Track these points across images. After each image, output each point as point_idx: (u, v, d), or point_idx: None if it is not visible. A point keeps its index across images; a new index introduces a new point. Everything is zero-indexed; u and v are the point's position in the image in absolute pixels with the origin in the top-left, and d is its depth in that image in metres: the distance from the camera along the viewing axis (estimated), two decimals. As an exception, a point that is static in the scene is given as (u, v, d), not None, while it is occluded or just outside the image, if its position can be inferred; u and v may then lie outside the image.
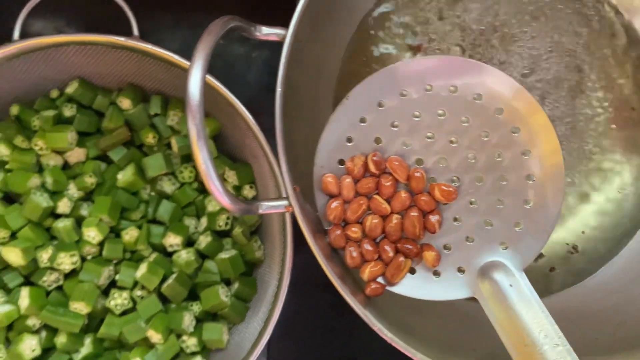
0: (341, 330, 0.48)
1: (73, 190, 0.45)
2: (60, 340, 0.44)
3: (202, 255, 0.46)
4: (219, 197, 0.28)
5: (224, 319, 0.45)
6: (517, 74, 0.43)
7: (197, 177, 0.47)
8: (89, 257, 0.44)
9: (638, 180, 0.43)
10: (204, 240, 0.45)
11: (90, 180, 0.45)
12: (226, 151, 0.48)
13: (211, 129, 0.46)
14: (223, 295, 0.44)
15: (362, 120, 0.34)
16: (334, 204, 0.33)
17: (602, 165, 0.44)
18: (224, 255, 0.45)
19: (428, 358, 0.31)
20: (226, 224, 0.46)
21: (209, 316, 0.45)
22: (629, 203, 0.43)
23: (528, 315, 0.31)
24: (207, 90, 0.42)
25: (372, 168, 0.33)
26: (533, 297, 0.32)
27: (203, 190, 0.48)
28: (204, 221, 0.46)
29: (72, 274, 0.44)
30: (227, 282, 0.46)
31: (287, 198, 0.31)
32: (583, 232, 0.43)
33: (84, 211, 0.45)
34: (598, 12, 0.43)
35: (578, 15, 0.43)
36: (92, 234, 0.44)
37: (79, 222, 0.44)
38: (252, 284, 0.46)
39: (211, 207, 0.47)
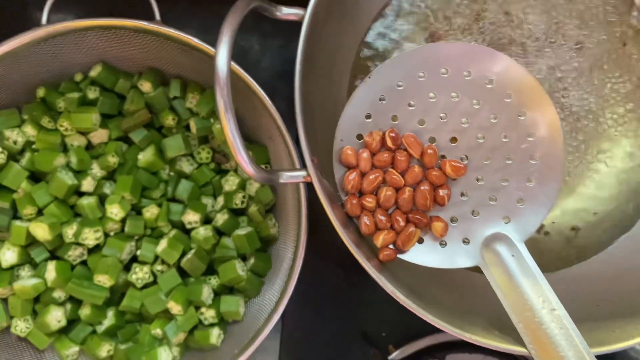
0: (353, 303, 0.50)
1: (96, 170, 0.47)
2: (85, 312, 0.46)
3: (219, 232, 0.48)
4: (244, 165, 0.30)
5: (241, 292, 0.47)
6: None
7: (214, 158, 0.49)
8: (112, 233, 0.46)
9: None
10: (221, 218, 0.47)
11: (112, 160, 0.47)
12: (242, 132, 0.48)
13: (228, 111, 0.48)
14: (240, 269, 0.46)
15: (382, 99, 0.36)
16: (352, 175, 0.35)
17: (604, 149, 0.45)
18: (240, 232, 0.47)
19: (437, 319, 0.33)
20: (242, 202, 0.48)
21: (226, 290, 0.47)
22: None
23: (528, 283, 0.33)
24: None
25: (389, 143, 0.35)
26: (533, 267, 0.34)
27: (220, 171, 0.50)
28: (220, 200, 0.48)
29: (95, 249, 0.46)
30: (244, 258, 0.48)
31: (305, 169, 0.33)
32: (595, 214, 0.45)
33: (106, 189, 0.47)
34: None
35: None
36: (114, 211, 0.46)
37: (102, 199, 0.46)
38: (267, 259, 0.48)
39: (227, 186, 0.48)
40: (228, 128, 0.29)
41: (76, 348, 0.46)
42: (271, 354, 0.51)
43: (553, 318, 0.32)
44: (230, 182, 0.49)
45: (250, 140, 0.50)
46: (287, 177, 0.33)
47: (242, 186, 0.48)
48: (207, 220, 0.48)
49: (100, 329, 0.46)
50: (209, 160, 0.49)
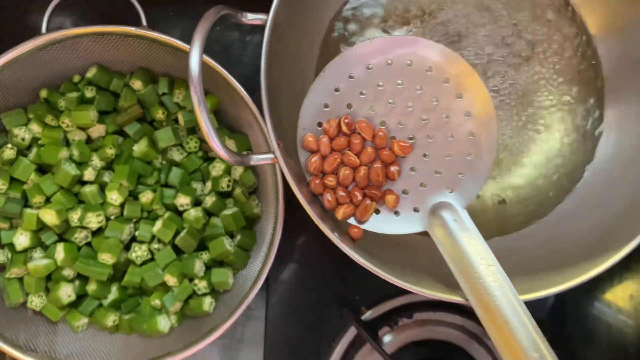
0: (330, 271, 0.55)
1: (96, 161, 0.53)
2: (91, 287, 0.52)
3: (209, 213, 0.53)
4: (218, 149, 0.35)
5: (229, 265, 0.53)
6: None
7: (202, 147, 0.55)
8: (112, 217, 0.52)
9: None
10: (209, 200, 0.53)
11: (110, 152, 0.52)
12: (226, 123, 0.55)
13: (212, 104, 0.53)
14: (227, 245, 0.52)
15: (337, 90, 0.41)
16: (314, 158, 0.40)
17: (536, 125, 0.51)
18: (227, 212, 0.53)
19: (392, 276, 0.38)
20: (228, 186, 0.53)
21: (217, 263, 0.53)
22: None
23: (468, 243, 0.38)
24: (207, 70, 0.49)
25: (344, 129, 0.40)
26: (472, 229, 0.39)
27: (207, 158, 0.55)
28: (208, 184, 0.54)
29: (98, 232, 0.52)
30: (231, 235, 0.54)
31: (273, 152, 0.38)
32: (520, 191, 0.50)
33: (106, 178, 0.52)
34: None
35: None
36: (114, 197, 0.51)
37: (103, 187, 0.52)
38: (252, 236, 0.54)
39: (214, 172, 0.54)
40: (202, 119, 0.34)
41: (85, 319, 0.52)
42: (260, 321, 0.57)
43: (489, 273, 0.37)
44: (217, 168, 0.54)
45: (233, 129, 0.55)
46: (257, 159, 0.38)
47: (228, 171, 0.54)
48: (197, 203, 0.54)
49: (106, 302, 0.52)
50: (197, 149, 0.55)
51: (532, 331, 0.34)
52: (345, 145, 0.41)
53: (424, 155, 0.41)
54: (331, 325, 0.54)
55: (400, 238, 0.42)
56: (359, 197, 0.40)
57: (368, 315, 0.55)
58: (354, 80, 0.40)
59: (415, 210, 0.41)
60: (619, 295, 0.56)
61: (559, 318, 0.56)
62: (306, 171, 0.41)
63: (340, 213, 0.40)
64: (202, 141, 0.55)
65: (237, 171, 0.54)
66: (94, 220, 0.51)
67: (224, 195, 0.54)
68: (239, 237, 0.53)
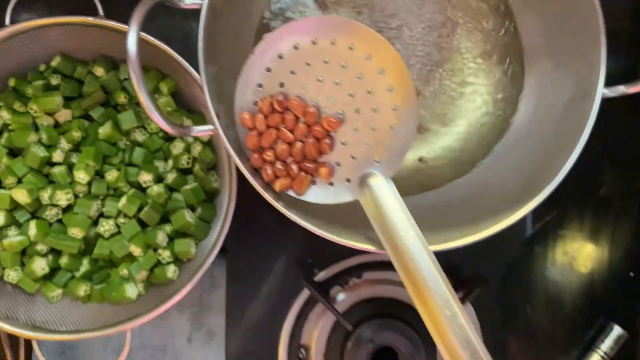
0: (284, 237, 0.60)
1: (64, 144, 0.56)
2: (64, 260, 0.56)
3: (171, 189, 0.57)
4: (159, 121, 0.39)
5: (191, 236, 0.57)
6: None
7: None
8: (81, 195, 0.56)
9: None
10: (170, 177, 0.57)
11: (76, 135, 0.56)
12: (184, 105, 0.59)
13: (168, 87, 0.57)
14: (188, 217, 0.56)
15: (268, 70, 0.44)
16: (251, 134, 0.44)
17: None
18: (187, 187, 0.57)
19: (328, 233, 0.42)
20: (187, 163, 0.57)
21: (180, 235, 0.57)
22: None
23: (392, 210, 0.41)
24: (165, 56, 0.53)
25: (277, 107, 0.43)
26: (396, 197, 0.42)
27: (168, 138, 0.59)
28: (170, 162, 0.58)
29: (68, 209, 0.56)
30: (193, 208, 0.58)
31: (213, 124, 0.42)
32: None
33: (74, 159, 0.56)
34: None
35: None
36: (81, 176, 0.55)
37: (71, 167, 0.56)
38: (212, 208, 0.58)
39: (175, 150, 0.58)
40: (141, 95, 0.38)
41: (59, 290, 0.56)
42: (222, 287, 0.61)
43: (408, 237, 0.40)
44: (177, 147, 0.58)
45: (190, 110, 0.59)
46: (197, 130, 0.42)
47: (188, 150, 0.58)
48: (160, 180, 0.58)
49: (78, 274, 0.56)
50: (159, 130, 0.58)
51: (435, 271, 0.38)
52: (279, 122, 0.44)
53: (354, 129, 0.44)
54: (287, 288, 0.59)
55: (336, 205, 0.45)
56: (296, 171, 0.44)
57: (321, 276, 0.59)
58: (283, 61, 0.44)
59: (348, 180, 0.45)
60: (556, 251, 0.60)
61: (503, 275, 0.61)
62: (245, 147, 0.45)
63: (277, 185, 0.44)
64: (163, 122, 0.59)
65: (196, 149, 0.58)
66: (63, 198, 0.55)
67: (184, 172, 0.58)
68: (199, 210, 0.58)
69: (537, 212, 0.59)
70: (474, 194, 0.50)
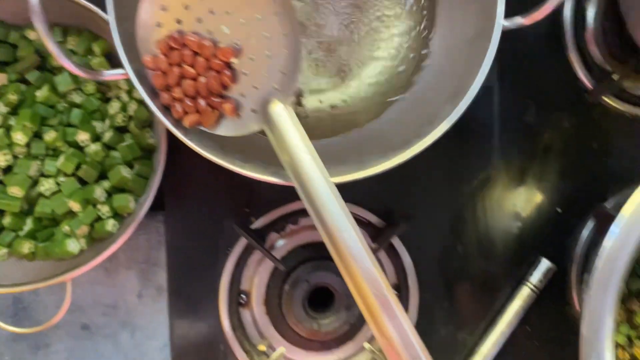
0: (220, 188, 0.62)
1: (1, 107, 0.58)
2: (7, 220, 0.58)
3: (108, 147, 0.59)
4: (68, 66, 0.41)
5: (130, 191, 0.59)
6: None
7: (99, 89, 0.60)
8: (21, 156, 0.58)
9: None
10: (107, 135, 0.59)
11: (13, 98, 0.58)
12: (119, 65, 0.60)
13: (101, 47, 0.59)
14: (125, 173, 0.58)
15: (163, 8, 0.44)
16: (156, 75, 0.45)
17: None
18: (123, 144, 0.59)
19: (237, 167, 0.44)
20: (123, 121, 0.59)
21: (118, 190, 0.59)
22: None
23: (292, 136, 0.42)
24: (95, 18, 0.55)
25: (173, 44, 0.44)
26: (294, 123, 0.43)
27: (105, 99, 0.61)
28: (107, 122, 0.60)
29: (8, 170, 0.58)
30: (131, 166, 0.60)
31: (123, 67, 0.44)
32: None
33: (12, 122, 0.58)
34: None
35: None
36: (19, 137, 0.57)
37: (9, 130, 0.58)
38: (149, 165, 0.60)
39: (112, 110, 0.60)
40: (49, 43, 0.40)
41: (5, 250, 0.58)
42: (161, 235, 0.63)
43: (308, 159, 0.42)
44: (114, 107, 0.60)
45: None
46: (108, 74, 0.44)
47: (124, 109, 0.60)
48: (97, 139, 0.60)
49: (22, 233, 0.58)
50: (95, 92, 0.60)
51: (336, 202, 0.40)
52: (180, 60, 0.45)
53: (251, 58, 0.45)
54: (226, 237, 0.61)
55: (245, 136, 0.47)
56: (204, 106, 0.45)
57: (257, 224, 0.61)
58: None
59: (254, 111, 0.45)
60: (485, 192, 0.62)
61: (434, 216, 0.63)
62: (154, 87, 0.46)
63: (186, 121, 0.46)
64: (100, 83, 0.60)
65: (132, 107, 0.59)
66: (1, 159, 0.57)
67: (121, 130, 0.60)
68: (137, 166, 0.59)
69: (465, 154, 0.61)
70: (382, 134, 0.53)
